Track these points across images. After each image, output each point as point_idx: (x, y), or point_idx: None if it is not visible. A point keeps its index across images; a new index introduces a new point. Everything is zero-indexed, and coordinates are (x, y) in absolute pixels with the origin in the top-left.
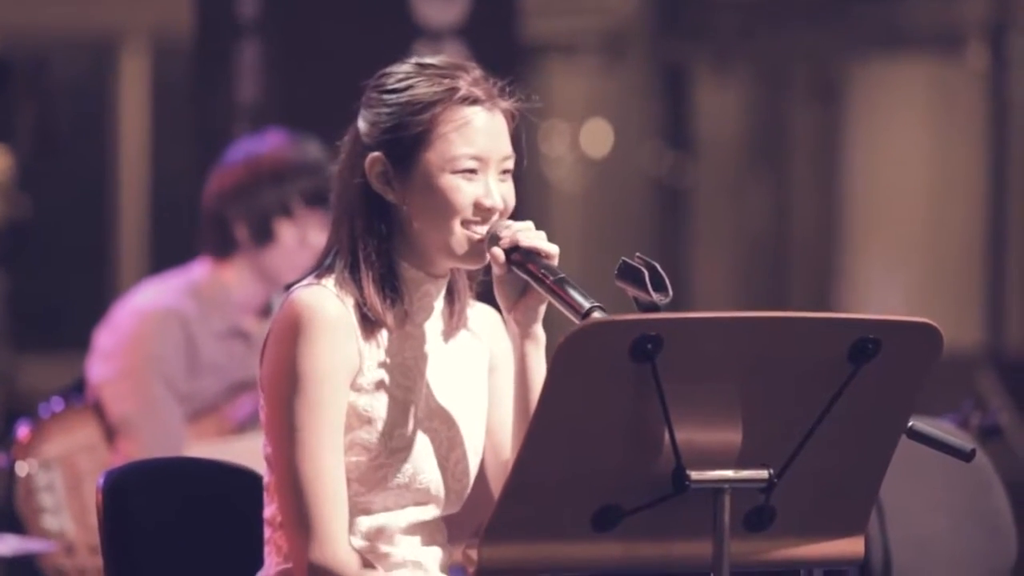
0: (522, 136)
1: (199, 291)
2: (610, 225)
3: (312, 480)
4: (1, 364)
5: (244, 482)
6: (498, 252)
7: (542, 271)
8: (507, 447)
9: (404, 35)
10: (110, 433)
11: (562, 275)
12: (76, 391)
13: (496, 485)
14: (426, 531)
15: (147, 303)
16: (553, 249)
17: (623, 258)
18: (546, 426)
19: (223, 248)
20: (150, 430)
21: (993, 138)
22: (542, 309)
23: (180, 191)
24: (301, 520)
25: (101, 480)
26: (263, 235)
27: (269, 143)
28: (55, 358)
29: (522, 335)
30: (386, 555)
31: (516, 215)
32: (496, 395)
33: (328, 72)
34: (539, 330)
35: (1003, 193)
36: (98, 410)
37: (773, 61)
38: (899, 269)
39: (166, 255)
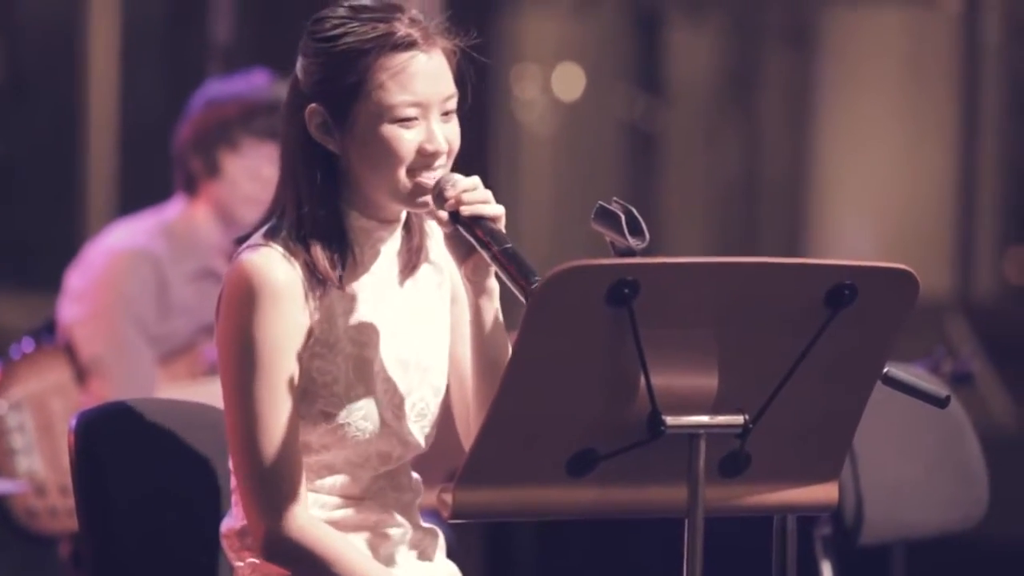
0: (466, 74)
1: (171, 231)
2: (582, 168)
3: (267, 451)
4: None
5: (217, 424)
6: (443, 214)
7: (487, 237)
8: (469, 381)
9: None
10: (81, 374)
11: (508, 245)
12: (47, 332)
13: (462, 419)
14: (393, 481)
15: (119, 244)
16: (498, 211)
17: (600, 202)
18: (521, 370)
19: (189, 185)
20: (121, 371)
21: (966, 83)
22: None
23: (151, 130)
24: (257, 491)
25: (74, 421)
26: (211, 168)
27: (238, 85)
28: (25, 298)
29: (474, 290)
30: (351, 508)
31: (488, 158)
32: (459, 328)
33: (301, 12)
34: (492, 283)
35: (975, 139)
36: (69, 351)
37: (746, 6)
38: (871, 215)
39: (137, 195)
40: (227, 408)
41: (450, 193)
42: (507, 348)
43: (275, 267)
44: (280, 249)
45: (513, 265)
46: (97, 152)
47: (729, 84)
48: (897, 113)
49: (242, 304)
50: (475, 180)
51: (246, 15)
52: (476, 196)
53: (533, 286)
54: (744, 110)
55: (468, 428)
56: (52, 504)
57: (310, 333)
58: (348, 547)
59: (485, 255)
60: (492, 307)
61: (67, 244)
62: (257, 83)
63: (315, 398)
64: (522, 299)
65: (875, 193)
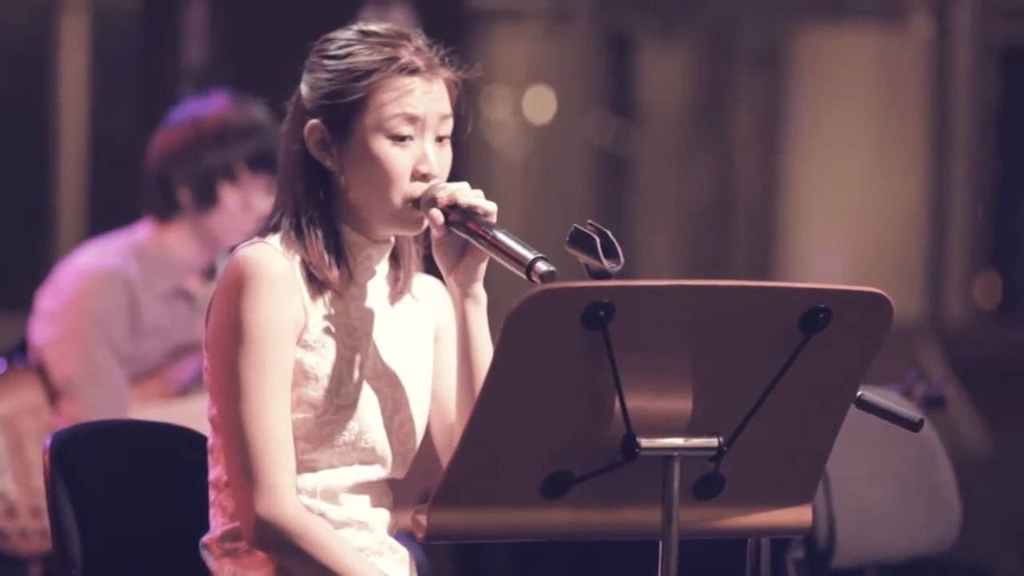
0: (463, 105)
1: (142, 252)
2: (552, 192)
3: (258, 434)
4: None
5: (190, 444)
6: (436, 214)
7: (482, 228)
8: (453, 412)
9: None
10: (53, 395)
11: (502, 230)
12: (19, 352)
13: (443, 450)
14: (372, 492)
15: (90, 264)
16: (491, 206)
17: (575, 225)
18: (496, 393)
19: (166, 210)
20: (93, 392)
21: (936, 107)
22: (482, 268)
23: (122, 153)
24: (247, 474)
25: (48, 442)
26: (206, 199)
27: (214, 105)
28: None
29: (463, 296)
30: (331, 513)
31: (459, 180)
32: (441, 362)
33: (274, 35)
34: (479, 290)
35: (946, 163)
36: (41, 372)
37: (717, 29)
38: (842, 238)
39: (107, 216)
40: (217, 395)
41: (441, 195)
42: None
43: (272, 259)
44: (278, 246)
45: (509, 247)
46: (68, 173)
47: (700, 106)
48: (868, 136)
49: (237, 291)
50: (464, 183)
51: (219, 38)
52: (468, 193)
53: (534, 261)
54: (715, 132)
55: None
56: (23, 525)
57: (303, 327)
58: (334, 534)
59: (481, 245)
60: (479, 313)
61: (35, 264)
62: (249, 112)
63: (305, 390)
64: (524, 277)
65: (846, 216)
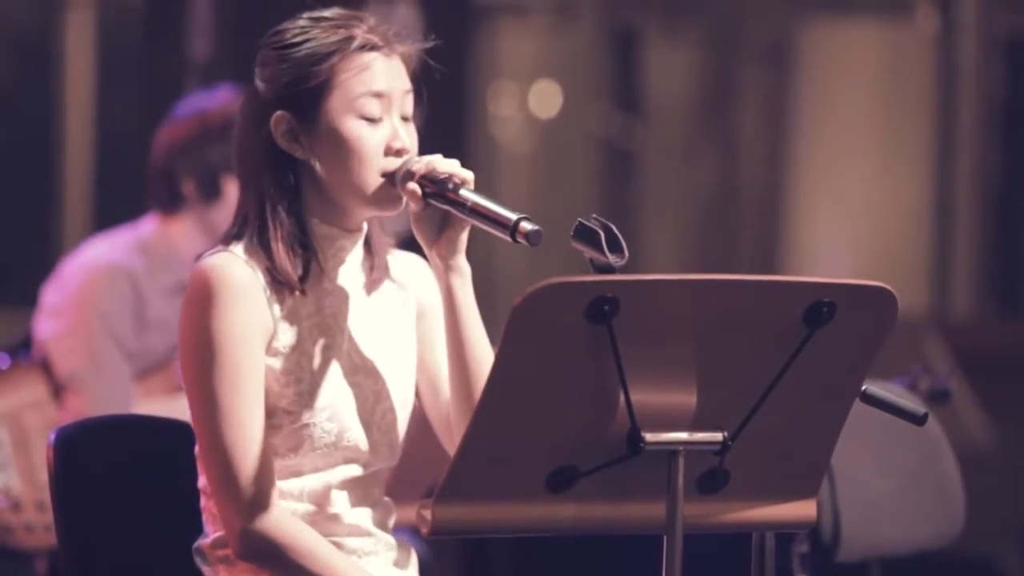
0: (422, 81)
1: (147, 247)
2: (558, 186)
3: (236, 446)
4: None
5: (195, 439)
6: (414, 187)
7: (461, 196)
8: (446, 386)
9: None
10: (58, 390)
11: (481, 195)
12: (23, 347)
13: (439, 428)
14: (360, 488)
15: (95, 259)
16: (468, 174)
17: (579, 219)
18: (501, 387)
19: (171, 203)
20: (98, 387)
21: (942, 101)
22: (463, 239)
23: (127, 147)
24: (229, 487)
25: (52, 437)
26: (211, 192)
27: (219, 99)
28: (0, 314)
29: (446, 269)
30: (321, 516)
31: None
32: (428, 338)
33: None
34: (462, 261)
35: (952, 157)
36: (46, 367)
37: (722, 23)
38: (847, 232)
39: (112, 211)
40: (192, 409)
41: (417, 167)
42: (483, 329)
43: (234, 267)
44: (241, 254)
45: (492, 210)
46: (73, 167)
47: (706, 101)
48: (873, 130)
49: (201, 302)
50: (437, 155)
51: (224, 31)
52: (444, 163)
53: (518, 221)
54: (720, 127)
55: (448, 430)
56: (28, 520)
57: (272, 333)
58: (321, 542)
59: (462, 213)
60: (464, 285)
61: (40, 259)
62: (233, 101)
63: (279, 397)
64: (509, 239)
65: (851, 210)
